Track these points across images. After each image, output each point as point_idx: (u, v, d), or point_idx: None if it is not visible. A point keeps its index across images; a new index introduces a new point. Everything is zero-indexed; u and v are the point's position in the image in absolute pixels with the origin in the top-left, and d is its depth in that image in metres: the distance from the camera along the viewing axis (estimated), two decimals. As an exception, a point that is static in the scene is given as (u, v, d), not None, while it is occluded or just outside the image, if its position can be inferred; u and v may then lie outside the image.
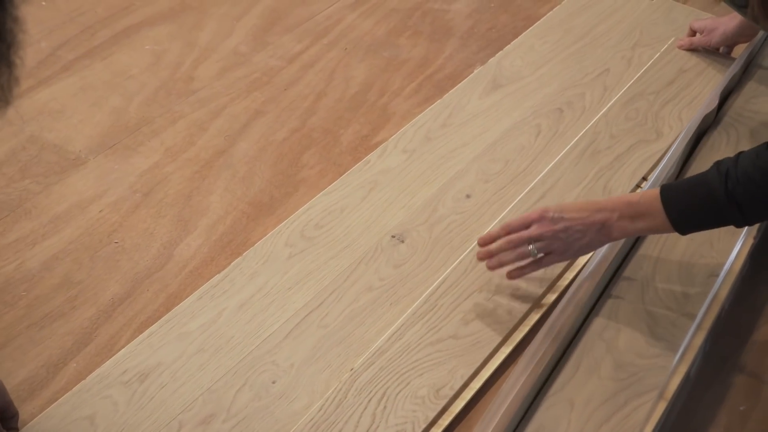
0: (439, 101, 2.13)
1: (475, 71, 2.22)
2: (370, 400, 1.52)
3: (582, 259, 1.78)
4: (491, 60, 2.25)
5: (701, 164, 1.97)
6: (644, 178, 1.95)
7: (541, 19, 2.40)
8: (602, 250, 1.72)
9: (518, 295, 1.71)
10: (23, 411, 1.48)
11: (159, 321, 1.63)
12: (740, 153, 1.52)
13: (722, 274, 1.76)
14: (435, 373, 1.57)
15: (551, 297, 1.73)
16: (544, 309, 1.71)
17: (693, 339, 1.64)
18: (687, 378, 1.59)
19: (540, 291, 1.73)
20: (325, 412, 1.50)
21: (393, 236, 1.82)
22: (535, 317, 1.70)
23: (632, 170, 1.98)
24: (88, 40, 2.27)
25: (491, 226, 1.83)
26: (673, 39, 2.35)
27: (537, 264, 1.65)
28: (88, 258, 1.76)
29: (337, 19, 2.39)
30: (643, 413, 1.51)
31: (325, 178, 1.97)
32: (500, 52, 2.29)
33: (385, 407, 1.51)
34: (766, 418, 1.61)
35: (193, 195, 1.91)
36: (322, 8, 2.40)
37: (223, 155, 2.01)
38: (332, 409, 1.51)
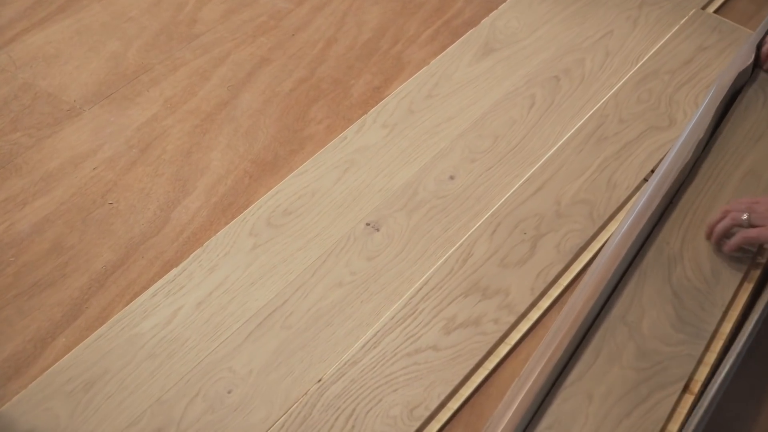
0: (425, 68, 2.07)
1: (467, 33, 2.16)
2: (337, 418, 1.45)
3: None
4: (484, 20, 2.19)
5: (736, 129, 1.89)
6: (652, 171, 1.87)
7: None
8: (628, 218, 1.72)
9: (506, 304, 1.64)
10: (8, 390, 1.47)
11: (108, 321, 1.57)
12: None
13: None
14: (410, 389, 1.50)
15: (545, 303, 1.67)
16: (532, 321, 1.64)
17: (721, 325, 1.59)
18: (716, 369, 1.53)
19: (531, 299, 1.66)
20: (287, 430, 1.44)
21: (367, 224, 1.75)
22: (525, 327, 1.63)
23: (640, 162, 1.89)
24: None
25: (477, 211, 1.78)
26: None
27: (746, 237, 1.65)
28: (80, 221, 1.75)
29: (351, -50, 2.32)
30: (666, 408, 1.47)
31: (333, 134, 1.94)
32: (495, 11, 2.23)
33: (353, 427, 1.44)
34: None
35: (193, 151, 1.89)
36: (337, -64, 2.34)
37: (226, 107, 1.99)
38: (296, 426, 1.45)
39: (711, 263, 1.68)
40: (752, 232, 1.64)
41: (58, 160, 1.84)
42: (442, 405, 1.48)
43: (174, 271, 1.66)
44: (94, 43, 2.08)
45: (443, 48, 2.11)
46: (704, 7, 2.26)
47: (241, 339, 1.56)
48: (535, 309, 1.64)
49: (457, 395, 1.51)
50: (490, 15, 2.20)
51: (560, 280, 1.69)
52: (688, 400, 1.48)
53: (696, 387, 1.50)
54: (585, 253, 1.74)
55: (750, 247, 1.68)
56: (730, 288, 1.65)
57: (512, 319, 1.61)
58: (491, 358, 1.56)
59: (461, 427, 1.49)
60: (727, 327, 1.59)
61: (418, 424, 1.44)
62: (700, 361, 1.54)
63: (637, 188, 1.84)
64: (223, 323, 1.58)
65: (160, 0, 2.20)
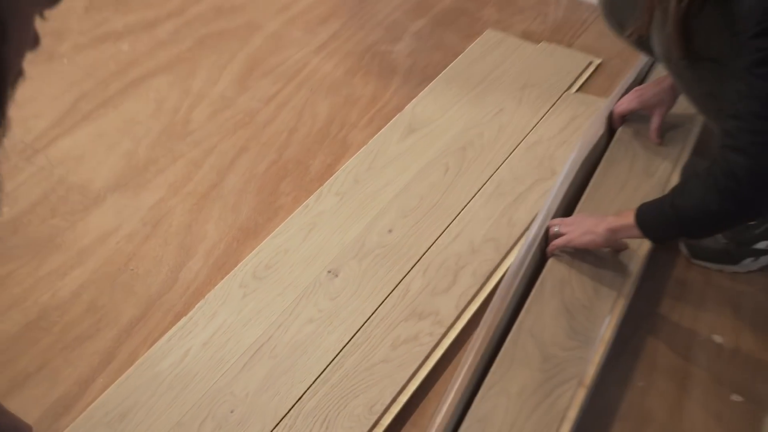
0: (366, 146, 2.07)
1: (395, 117, 2.16)
2: (314, 423, 1.48)
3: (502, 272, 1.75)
4: (407, 107, 2.20)
5: (605, 176, 1.93)
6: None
7: (447, 68, 2.34)
8: (525, 255, 1.72)
9: (437, 321, 1.67)
10: (60, 425, 1.48)
11: (135, 363, 1.58)
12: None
13: (630, 267, 1.74)
14: (368, 393, 1.53)
15: (467, 316, 1.69)
16: (458, 330, 1.67)
17: (605, 331, 1.61)
18: (600, 366, 1.56)
19: (456, 314, 1.68)
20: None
21: (329, 271, 1.76)
22: (453, 335, 1.66)
23: (531, 205, 1.92)
24: (102, 92, 2.24)
25: (411, 256, 1.79)
26: (556, 79, 2.28)
27: (555, 244, 1.72)
28: (109, 285, 1.75)
29: (304, 63, 2.35)
30: (566, 399, 1.48)
31: (298, 203, 1.94)
32: (415, 99, 2.23)
33: (327, 428, 1.47)
34: (659, 390, 1.60)
35: (193, 225, 1.90)
36: (291, 54, 2.36)
37: (216, 188, 1.99)
38: (282, 433, 1.48)
39: (593, 283, 1.69)
40: (560, 240, 1.71)
41: (88, 238, 1.84)
42: (393, 400, 1.53)
43: (183, 320, 1.66)
44: (111, 144, 2.07)
45: (378, 130, 2.11)
46: (570, 87, 2.26)
47: (239, 369, 1.57)
48: (459, 321, 1.68)
49: (405, 391, 1.55)
50: (411, 102, 2.20)
51: (476, 298, 1.72)
52: (582, 392, 1.49)
53: (587, 381, 1.51)
54: (494, 276, 1.77)
55: (566, 249, 1.72)
56: (608, 303, 1.66)
57: (442, 330, 1.65)
58: (428, 362, 1.60)
59: (410, 416, 1.53)
60: (607, 334, 1.60)
61: (375, 417, 1.49)
62: (589, 362, 1.55)
63: (530, 224, 1.85)
64: (223, 358, 1.59)
65: (161, 107, 2.19)
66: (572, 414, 1.45)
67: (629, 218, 1.57)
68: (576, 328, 1.60)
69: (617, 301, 1.66)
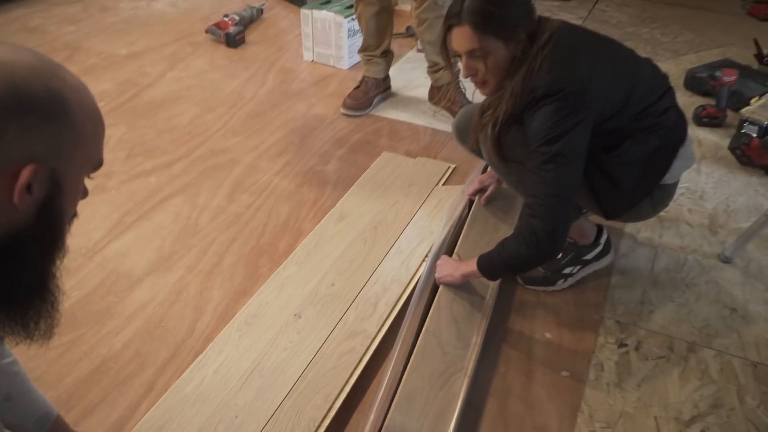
0: (313, 231, 1.99)
1: (330, 211, 2.09)
2: (290, 419, 1.39)
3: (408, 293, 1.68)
4: (337, 204, 2.12)
5: (469, 233, 1.87)
6: (426, 254, 1.86)
7: (360, 178, 2.25)
8: (424, 284, 1.70)
9: (366, 336, 1.59)
10: None
11: (168, 390, 1.47)
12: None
13: (488, 293, 1.69)
14: (325, 390, 1.46)
15: (383, 330, 1.61)
16: (378, 341, 1.59)
17: (477, 337, 1.56)
18: (476, 361, 1.53)
19: (376, 330, 1.61)
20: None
21: (295, 315, 1.68)
22: (375, 344, 1.58)
23: (419, 255, 1.85)
24: (139, 210, 2.14)
25: (348, 299, 1.71)
26: (429, 179, 2.23)
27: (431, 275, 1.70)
28: (148, 338, 1.65)
29: (269, 180, 2.28)
30: (459, 383, 1.46)
31: (272, 272, 1.84)
32: (343, 197, 2.16)
33: (299, 417, 1.39)
34: (514, 374, 1.54)
35: (203, 291, 1.81)
36: (261, 177, 2.30)
37: (217, 266, 1.90)
38: (270, 427, 1.38)
39: (469, 303, 1.66)
40: (434, 276, 1.68)
41: (133, 307, 1.75)
42: (341, 390, 1.45)
43: (199, 357, 1.56)
44: (146, 243, 1.99)
45: (320, 220, 2.05)
46: (438, 183, 2.23)
47: (239, 387, 1.48)
48: (379, 334, 1.60)
49: (348, 384, 1.47)
50: (340, 201, 2.14)
51: (389, 318, 1.64)
52: (467, 380, 1.47)
53: (469, 371, 1.49)
54: (399, 302, 1.69)
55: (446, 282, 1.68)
56: (478, 317, 1.63)
57: (368, 342, 1.58)
58: (361, 363, 1.53)
59: (357, 404, 1.46)
60: (479, 338, 1.58)
61: (329, 404, 1.42)
62: (469, 359, 1.51)
63: (423, 263, 1.82)
64: (228, 380, 1.50)
65: (178, 216, 2.10)
66: (462, 393, 1.42)
67: (473, 266, 1.54)
68: (461, 333, 1.57)
69: (483, 317, 1.61)
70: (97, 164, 0.74)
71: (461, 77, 1.91)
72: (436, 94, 2.67)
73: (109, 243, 1.95)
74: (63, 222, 0.72)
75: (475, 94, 1.62)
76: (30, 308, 0.71)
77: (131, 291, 1.77)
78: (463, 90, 2.61)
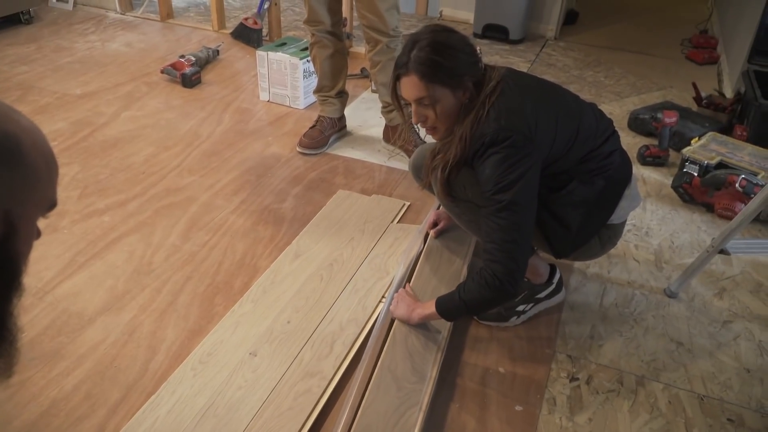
0: (269, 268, 1.99)
1: (287, 248, 2.10)
2: None
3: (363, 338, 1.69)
4: (293, 241, 2.13)
5: (423, 273, 1.90)
6: (384, 295, 1.87)
7: (316, 215, 2.28)
8: (380, 318, 1.73)
9: (322, 376, 1.59)
10: None
11: (121, 430, 1.44)
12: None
13: (444, 327, 1.70)
14: (285, 427, 1.44)
15: (341, 371, 1.62)
16: (338, 379, 1.59)
17: (432, 372, 1.58)
18: (431, 395, 1.54)
19: (333, 371, 1.61)
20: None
21: (250, 353, 1.67)
22: (333, 384, 1.58)
23: (375, 294, 1.87)
24: (92, 250, 2.11)
25: (304, 337, 1.71)
26: (384, 216, 2.26)
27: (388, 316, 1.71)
28: (100, 379, 1.62)
29: (225, 219, 2.28)
30: (413, 418, 1.46)
31: (227, 310, 1.83)
32: (298, 235, 2.16)
33: None
34: (468, 408, 1.58)
35: (157, 331, 1.78)
36: (217, 215, 2.30)
37: (171, 305, 1.88)
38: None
39: (424, 338, 1.67)
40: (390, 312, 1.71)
41: (84, 347, 1.71)
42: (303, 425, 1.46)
43: (152, 397, 1.55)
44: (99, 283, 1.96)
45: (276, 257, 2.06)
46: (393, 220, 2.26)
47: (193, 427, 1.46)
48: (336, 374, 1.61)
49: (304, 427, 1.46)
50: (296, 238, 2.15)
51: (346, 358, 1.65)
52: (422, 415, 1.46)
53: (424, 406, 1.49)
54: (356, 343, 1.70)
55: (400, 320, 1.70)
56: (432, 352, 1.64)
57: (326, 383, 1.57)
58: (318, 405, 1.52)
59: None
60: (433, 373, 1.59)
61: None
62: (425, 392, 1.52)
63: (382, 301, 1.83)
64: (182, 420, 1.48)
65: (132, 256, 2.08)
66: (417, 428, 1.42)
67: (432, 308, 1.57)
68: (416, 368, 1.58)
69: (438, 352, 1.63)
70: (51, 205, 0.76)
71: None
72: (391, 134, 2.74)
73: (60, 283, 1.92)
74: (19, 262, 0.73)
75: (428, 134, 1.68)
76: None
77: (83, 331, 1.74)
78: (417, 129, 2.68)
